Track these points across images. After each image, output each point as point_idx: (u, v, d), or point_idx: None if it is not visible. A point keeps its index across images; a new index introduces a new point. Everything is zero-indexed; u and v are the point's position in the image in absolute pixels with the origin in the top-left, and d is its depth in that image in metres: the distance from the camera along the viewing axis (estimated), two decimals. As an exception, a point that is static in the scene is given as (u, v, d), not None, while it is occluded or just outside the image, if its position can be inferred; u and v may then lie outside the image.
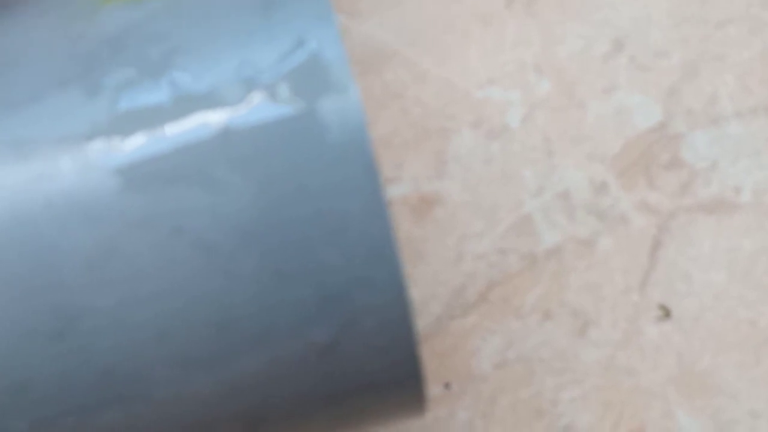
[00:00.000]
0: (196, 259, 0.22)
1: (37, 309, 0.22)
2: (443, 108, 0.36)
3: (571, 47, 0.36)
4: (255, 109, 0.22)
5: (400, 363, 0.23)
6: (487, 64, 0.36)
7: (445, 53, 0.36)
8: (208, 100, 0.22)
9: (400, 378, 0.24)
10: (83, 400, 0.23)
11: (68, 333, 0.22)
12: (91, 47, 0.23)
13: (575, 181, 0.36)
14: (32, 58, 0.23)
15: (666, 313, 0.35)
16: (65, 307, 0.22)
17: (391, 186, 0.36)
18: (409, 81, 0.36)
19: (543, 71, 0.36)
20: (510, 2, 0.37)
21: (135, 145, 0.22)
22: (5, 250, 0.22)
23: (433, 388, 0.35)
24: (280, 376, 0.23)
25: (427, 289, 0.35)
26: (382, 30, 0.36)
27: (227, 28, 0.23)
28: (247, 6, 0.23)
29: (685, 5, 0.37)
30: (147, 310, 0.22)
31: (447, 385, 0.35)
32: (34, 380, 0.22)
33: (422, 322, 0.35)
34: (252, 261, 0.22)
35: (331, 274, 0.22)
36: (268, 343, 0.22)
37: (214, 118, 0.22)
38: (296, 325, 0.22)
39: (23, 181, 0.22)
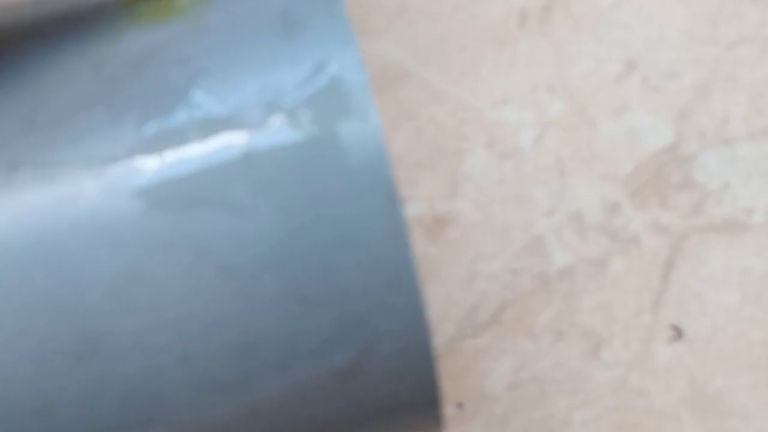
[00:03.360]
0: (220, 283, 0.22)
1: (60, 331, 0.22)
2: (457, 128, 0.36)
3: (584, 67, 0.36)
4: (276, 132, 0.22)
5: (418, 386, 0.23)
6: (500, 84, 0.36)
7: (459, 73, 0.36)
8: (231, 123, 0.23)
9: (418, 401, 0.24)
10: (106, 423, 0.23)
11: (91, 356, 0.22)
12: (114, 70, 0.23)
13: (587, 202, 0.36)
14: (57, 81, 0.23)
15: (678, 333, 0.35)
16: (88, 330, 0.22)
17: (405, 205, 0.36)
18: (423, 100, 0.36)
19: (555, 91, 0.36)
20: (523, 22, 0.37)
21: (158, 167, 0.22)
22: (30, 272, 0.22)
23: (446, 409, 0.35)
24: (301, 399, 0.23)
25: (440, 309, 0.35)
26: (396, 49, 0.37)
27: (250, 50, 0.23)
28: (270, 29, 0.23)
29: (697, 26, 0.37)
30: (169, 334, 0.22)
31: (460, 405, 0.35)
32: (58, 403, 0.22)
33: (435, 342, 0.35)
34: (274, 285, 0.22)
35: (352, 300, 0.22)
36: (289, 367, 0.22)
37: (236, 141, 0.22)
38: (317, 350, 0.22)
39: (48, 204, 0.22)
